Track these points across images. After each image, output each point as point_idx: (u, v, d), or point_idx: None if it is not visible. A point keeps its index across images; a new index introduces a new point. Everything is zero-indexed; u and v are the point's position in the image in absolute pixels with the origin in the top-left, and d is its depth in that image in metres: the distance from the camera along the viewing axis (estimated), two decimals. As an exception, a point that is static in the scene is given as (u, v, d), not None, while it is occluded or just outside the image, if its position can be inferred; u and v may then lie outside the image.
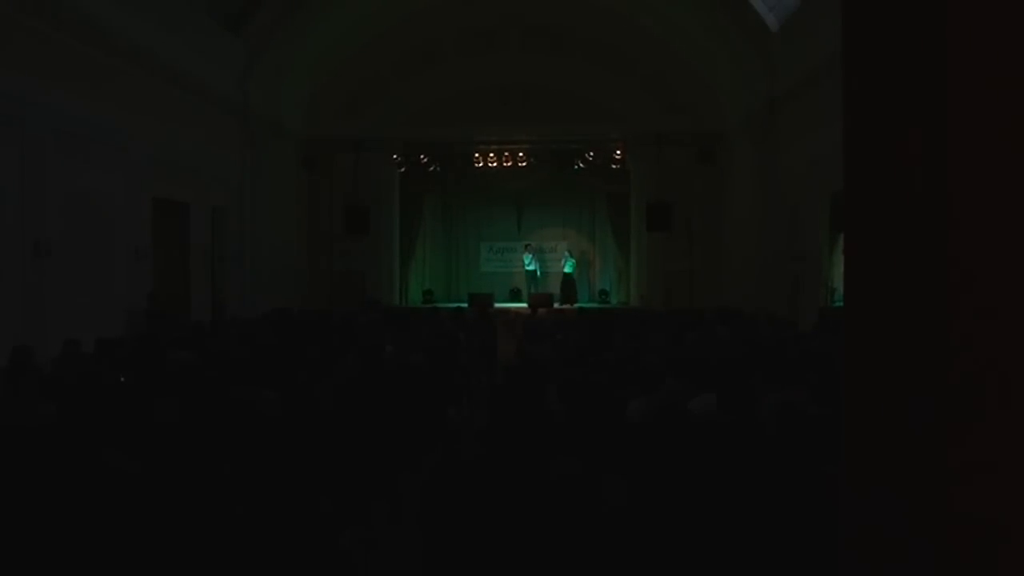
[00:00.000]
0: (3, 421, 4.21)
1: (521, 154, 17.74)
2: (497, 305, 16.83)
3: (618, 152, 17.45)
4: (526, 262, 19.11)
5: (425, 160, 17.89)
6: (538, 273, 19.19)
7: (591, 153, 17.64)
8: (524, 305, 17.23)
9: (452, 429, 6.60)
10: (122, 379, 5.39)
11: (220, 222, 13.63)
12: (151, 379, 5.26)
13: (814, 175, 11.87)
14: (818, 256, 12.17)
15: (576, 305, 17.04)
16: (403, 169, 17.94)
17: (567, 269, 18.74)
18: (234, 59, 13.87)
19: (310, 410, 4.70)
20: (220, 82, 13.50)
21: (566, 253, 19.08)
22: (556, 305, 17.15)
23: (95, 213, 9.89)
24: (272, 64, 14.76)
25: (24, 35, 8.59)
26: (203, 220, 13.10)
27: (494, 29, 16.39)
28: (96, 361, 6.16)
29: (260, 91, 14.68)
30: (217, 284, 13.53)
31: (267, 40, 14.42)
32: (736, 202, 16.12)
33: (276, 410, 4.57)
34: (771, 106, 13.95)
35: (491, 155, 17.76)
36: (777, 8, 13.20)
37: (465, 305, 15.72)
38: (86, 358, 6.19)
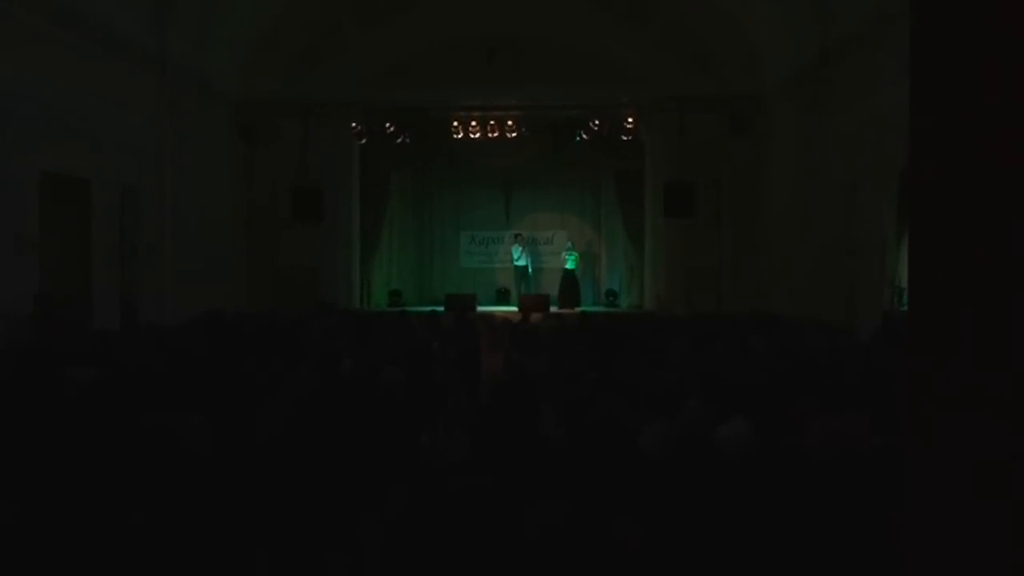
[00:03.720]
0: None
1: (510, 123, 17.72)
2: (480, 309, 16.82)
3: (630, 120, 17.46)
4: (515, 256, 19.15)
5: (392, 130, 17.84)
6: (529, 270, 19.25)
7: (596, 122, 17.64)
8: (514, 309, 17.23)
9: (425, 461, 6.58)
10: None
11: (132, 204, 13.52)
12: (40, 403, 5.21)
13: (877, 146, 11.90)
14: (882, 248, 12.22)
15: (578, 309, 17.05)
16: (364, 141, 17.90)
17: (569, 265, 18.79)
18: (147, -2, 13.75)
19: (248, 440, 4.68)
20: (129, 27, 13.20)
21: (568, 245, 19.12)
22: (553, 309, 17.16)
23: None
24: (197, 5, 14.65)
25: None
26: (110, 201, 12.94)
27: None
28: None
29: (182, 40, 14.54)
30: (129, 282, 13.43)
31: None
32: (777, 181, 16.16)
33: (205, 441, 4.54)
34: (823, 60, 13.92)
35: (473, 124, 17.73)
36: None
37: (441, 309, 15.72)
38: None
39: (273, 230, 17.27)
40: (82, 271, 12.48)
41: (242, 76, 16.74)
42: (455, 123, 17.77)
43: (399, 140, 18.14)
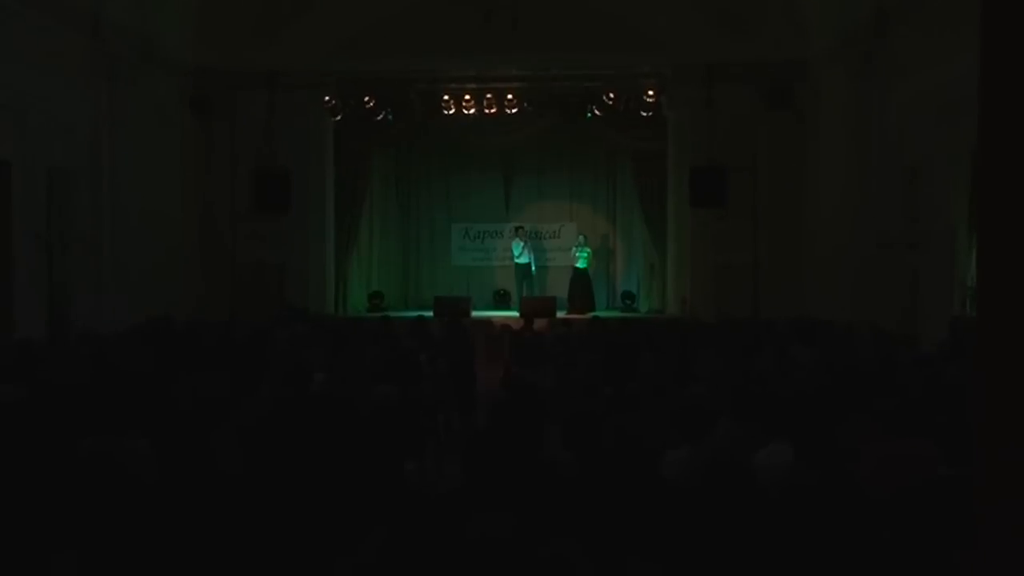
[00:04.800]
0: None
1: (510, 97, 17.72)
2: (476, 314, 16.88)
3: (650, 93, 17.47)
4: (515, 252, 19.17)
5: (372, 104, 17.85)
6: (533, 268, 19.26)
7: (611, 95, 17.65)
8: (514, 314, 17.25)
9: (411, 492, 6.59)
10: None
11: (63, 190, 13.47)
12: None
13: (945, 123, 11.88)
14: (950, 243, 12.20)
15: (590, 314, 17.07)
16: (339, 117, 17.90)
17: (580, 264, 18.79)
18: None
19: (202, 468, 4.67)
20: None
21: (580, 239, 19.11)
22: (560, 314, 17.18)
23: None
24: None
25: None
26: (34, 187, 12.86)
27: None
28: None
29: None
30: (59, 283, 13.40)
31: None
32: (823, 164, 16.15)
33: (149, 468, 4.54)
34: (880, 20, 13.93)
35: (467, 98, 17.73)
36: None
37: (430, 314, 15.73)
38: None
39: (231, 222, 17.24)
40: (0, 270, 12.42)
41: (194, 39, 16.73)
42: (446, 97, 17.78)
43: (380, 116, 18.16)
